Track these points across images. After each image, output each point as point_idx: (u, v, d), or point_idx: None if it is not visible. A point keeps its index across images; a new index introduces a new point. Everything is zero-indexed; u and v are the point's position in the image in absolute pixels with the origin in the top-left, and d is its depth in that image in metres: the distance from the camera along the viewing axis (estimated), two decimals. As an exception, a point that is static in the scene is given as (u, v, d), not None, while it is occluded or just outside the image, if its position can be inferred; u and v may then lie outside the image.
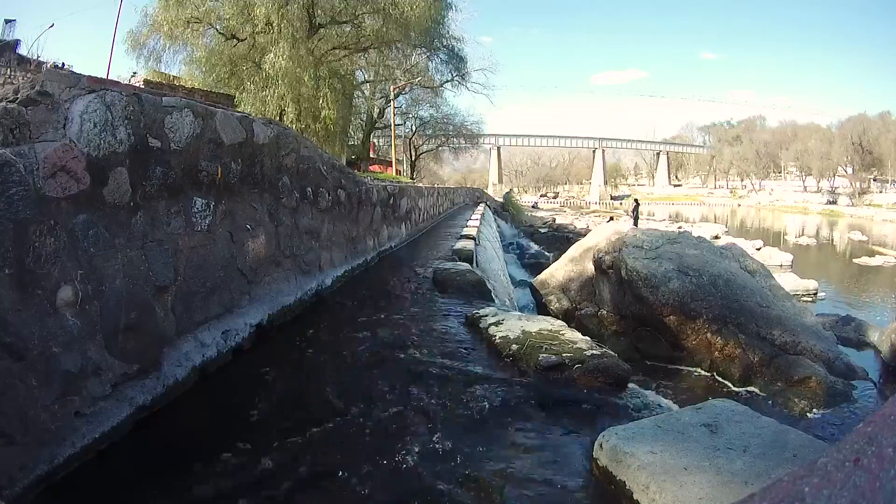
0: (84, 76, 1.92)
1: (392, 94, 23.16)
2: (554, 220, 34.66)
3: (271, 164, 3.16)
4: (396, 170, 25.72)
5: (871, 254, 20.49)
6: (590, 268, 7.47)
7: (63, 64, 10.43)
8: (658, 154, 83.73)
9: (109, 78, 13.06)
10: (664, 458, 1.48)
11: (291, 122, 13.84)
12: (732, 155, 73.95)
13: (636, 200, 19.45)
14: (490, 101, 54.82)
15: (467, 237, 7.98)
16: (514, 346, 2.65)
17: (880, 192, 54.75)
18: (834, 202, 55.12)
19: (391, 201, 6.95)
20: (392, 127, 25.53)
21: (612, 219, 21.78)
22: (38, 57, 10.53)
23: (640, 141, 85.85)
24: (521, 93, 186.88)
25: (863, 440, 0.45)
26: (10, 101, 1.59)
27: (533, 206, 53.31)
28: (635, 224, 15.70)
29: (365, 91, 23.40)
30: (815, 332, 5.89)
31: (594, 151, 79.80)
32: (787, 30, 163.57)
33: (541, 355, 2.50)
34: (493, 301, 4.41)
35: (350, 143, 22.24)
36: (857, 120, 59.88)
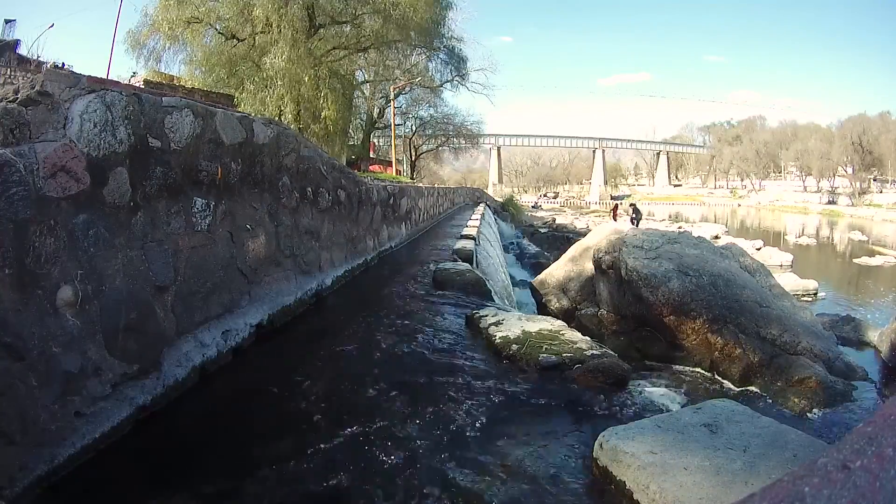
0: (84, 76, 1.92)
1: (392, 94, 23.18)
2: (554, 220, 34.72)
3: (271, 164, 3.16)
4: (396, 170, 25.72)
5: (871, 254, 20.50)
6: (589, 267, 7.47)
7: (63, 64, 10.43)
8: (658, 154, 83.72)
9: (109, 78, 13.06)
10: (664, 458, 1.48)
11: (291, 122, 13.84)
12: (732, 155, 73.92)
13: (633, 205, 18.70)
14: (490, 101, 55.02)
15: (467, 237, 7.98)
16: (515, 346, 2.65)
17: (880, 192, 54.71)
18: (834, 202, 55.11)
19: (391, 201, 6.95)
20: (392, 127, 25.55)
21: (615, 215, 20.50)
22: (38, 57, 10.52)
23: (640, 141, 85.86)
24: (523, 93, 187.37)
25: (863, 440, 0.45)
26: (10, 101, 1.59)
27: (533, 206, 53.42)
28: (635, 225, 15.62)
29: (365, 91, 23.43)
30: (815, 332, 5.89)
31: (594, 151, 79.83)
32: (789, 31, 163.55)
33: (541, 355, 2.51)
34: (493, 301, 4.41)
35: (350, 143, 22.26)
36: (857, 120, 59.82)
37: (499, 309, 3.63)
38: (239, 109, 11.54)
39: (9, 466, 1.39)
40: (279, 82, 13.82)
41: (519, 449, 1.80)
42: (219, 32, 15.09)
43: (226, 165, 2.63)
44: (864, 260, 19.23)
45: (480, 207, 18.96)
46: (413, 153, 33.31)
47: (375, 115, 26.01)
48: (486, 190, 50.61)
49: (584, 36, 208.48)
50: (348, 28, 16.09)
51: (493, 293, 4.83)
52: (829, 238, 31.39)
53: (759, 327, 5.55)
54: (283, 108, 14.21)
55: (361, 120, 25.12)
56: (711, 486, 1.35)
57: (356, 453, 1.73)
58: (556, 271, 8.32)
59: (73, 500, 1.49)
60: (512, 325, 2.98)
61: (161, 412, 1.97)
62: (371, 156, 27.41)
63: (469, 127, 33.88)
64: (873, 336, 7.49)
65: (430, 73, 22.60)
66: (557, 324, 3.04)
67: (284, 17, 13.75)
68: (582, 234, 14.24)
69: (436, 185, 18.52)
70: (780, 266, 15.90)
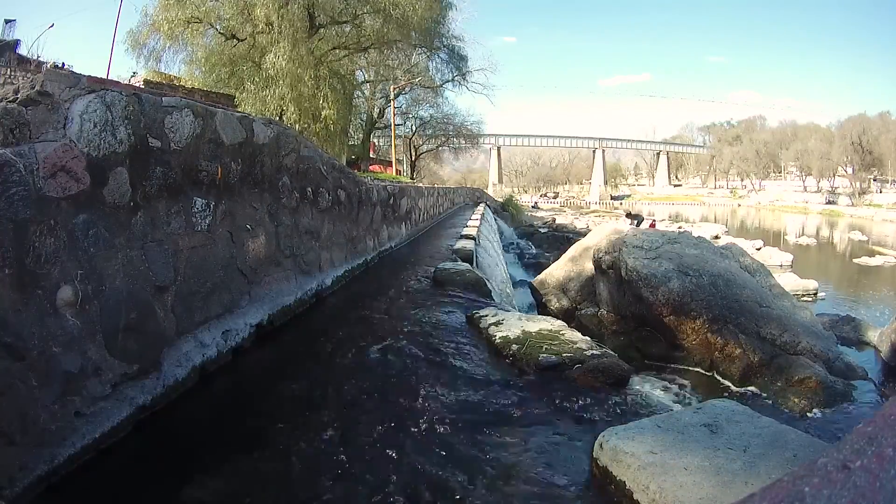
0: (84, 76, 1.92)
1: (392, 94, 23.18)
2: (554, 220, 34.74)
3: (271, 164, 3.16)
4: (396, 170, 25.73)
5: (871, 254, 20.49)
6: (589, 267, 7.47)
7: (63, 64, 10.42)
8: (658, 154, 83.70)
9: (109, 78, 13.08)
10: (664, 458, 1.48)
11: (291, 122, 13.84)
12: (732, 155, 73.86)
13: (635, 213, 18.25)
14: (490, 101, 55.04)
15: (467, 237, 7.98)
16: (515, 346, 2.65)
17: (880, 192, 54.69)
18: (834, 202, 55.08)
19: (391, 201, 6.95)
20: (392, 127, 25.55)
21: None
22: (38, 57, 10.51)
23: (640, 141, 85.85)
24: (523, 93, 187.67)
25: (863, 440, 0.45)
26: (10, 101, 1.59)
27: (533, 207, 53.45)
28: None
29: (365, 91, 23.44)
30: (815, 332, 5.88)
31: (594, 151, 79.83)
32: (789, 31, 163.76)
33: (541, 355, 2.50)
34: (494, 301, 4.40)
35: (350, 143, 22.27)
36: (857, 120, 59.75)
37: (499, 309, 3.63)
38: (239, 109, 11.55)
39: (9, 466, 1.39)
40: (280, 82, 13.82)
41: (518, 448, 1.80)
42: (219, 32, 15.09)
43: (226, 165, 2.63)
44: (864, 260, 19.21)
45: (480, 207, 18.95)
46: (413, 153, 33.29)
47: (375, 115, 26.01)
48: (486, 190, 50.57)
49: (586, 36, 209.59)
50: (349, 28, 16.11)
51: (493, 293, 4.83)
52: (829, 238, 31.37)
53: (759, 327, 5.55)
54: (283, 108, 14.21)
55: (361, 120, 25.14)
56: (711, 486, 1.35)
57: (356, 453, 1.73)
58: (556, 271, 8.31)
59: (73, 500, 1.49)
60: (512, 325, 2.98)
61: (161, 412, 1.97)
62: (371, 156, 27.41)
63: (469, 127, 33.88)
64: (873, 336, 7.48)
65: (430, 73, 22.62)
66: (557, 324, 3.04)
67: (285, 17, 13.75)
68: (582, 234, 14.24)
69: (436, 185, 18.50)
70: (780, 266, 15.89)
